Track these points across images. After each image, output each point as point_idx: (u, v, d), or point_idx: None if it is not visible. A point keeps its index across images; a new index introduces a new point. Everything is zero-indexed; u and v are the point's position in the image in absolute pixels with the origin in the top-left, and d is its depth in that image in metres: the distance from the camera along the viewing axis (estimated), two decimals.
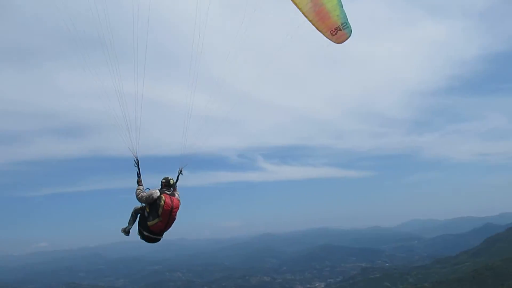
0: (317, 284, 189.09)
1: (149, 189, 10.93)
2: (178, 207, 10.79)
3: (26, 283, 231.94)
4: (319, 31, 11.91)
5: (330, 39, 11.98)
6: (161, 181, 11.24)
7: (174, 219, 10.79)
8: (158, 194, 10.72)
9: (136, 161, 11.14)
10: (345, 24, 11.66)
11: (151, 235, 10.90)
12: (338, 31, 11.76)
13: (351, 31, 11.94)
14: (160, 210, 10.50)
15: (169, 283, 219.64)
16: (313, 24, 11.67)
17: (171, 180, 11.19)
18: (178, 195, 11.30)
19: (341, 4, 11.47)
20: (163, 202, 10.51)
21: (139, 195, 10.82)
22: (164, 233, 11.06)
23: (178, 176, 11.64)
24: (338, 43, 12.06)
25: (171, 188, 11.21)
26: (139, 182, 11.08)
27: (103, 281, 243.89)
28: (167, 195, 10.76)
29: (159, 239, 11.14)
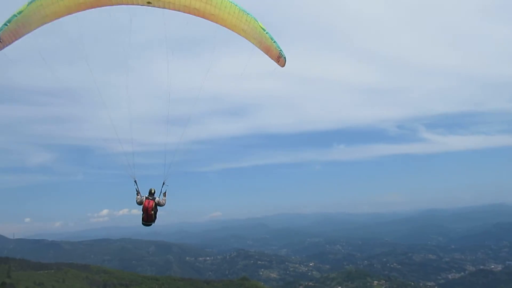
0: (492, 266, 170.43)
1: (143, 196, 17.19)
2: (151, 207, 16.99)
3: (204, 247, 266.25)
4: (271, 58, 17.35)
5: (277, 64, 17.56)
6: (148, 191, 17.43)
7: (150, 215, 17.03)
8: (144, 199, 17.12)
9: (135, 181, 17.27)
10: (280, 52, 17.10)
11: (144, 222, 17.24)
12: (279, 58, 17.31)
13: (285, 57, 17.38)
14: (142, 209, 17.10)
15: (329, 255, 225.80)
16: (266, 54, 17.18)
17: (152, 190, 17.35)
18: (165, 199, 17.50)
19: (274, 39, 16.71)
20: (142, 204, 17.08)
21: (137, 201, 17.22)
22: (155, 220, 17.33)
23: (162, 186, 17.48)
24: (281, 66, 17.75)
25: (154, 195, 17.31)
26: (137, 193, 17.30)
27: (268, 249, 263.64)
28: (147, 200, 17.11)
29: (150, 225, 17.37)
